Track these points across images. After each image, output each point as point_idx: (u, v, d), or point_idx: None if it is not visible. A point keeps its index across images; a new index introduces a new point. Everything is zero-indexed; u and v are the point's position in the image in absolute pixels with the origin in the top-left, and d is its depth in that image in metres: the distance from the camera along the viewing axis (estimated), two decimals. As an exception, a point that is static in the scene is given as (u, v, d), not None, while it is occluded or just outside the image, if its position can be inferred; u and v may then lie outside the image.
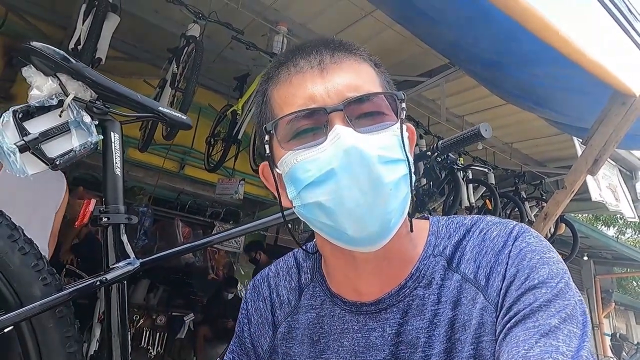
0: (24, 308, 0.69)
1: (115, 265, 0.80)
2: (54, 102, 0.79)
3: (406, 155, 0.58)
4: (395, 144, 0.57)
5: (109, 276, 0.78)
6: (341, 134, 0.54)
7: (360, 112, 0.57)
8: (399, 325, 0.62)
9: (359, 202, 0.54)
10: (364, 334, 0.63)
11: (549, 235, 4.84)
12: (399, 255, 0.63)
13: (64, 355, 0.74)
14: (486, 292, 0.58)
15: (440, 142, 1.06)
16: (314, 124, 0.57)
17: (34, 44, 0.77)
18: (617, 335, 5.76)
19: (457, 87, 4.17)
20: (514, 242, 0.60)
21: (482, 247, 0.61)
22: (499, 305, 0.57)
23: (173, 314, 5.33)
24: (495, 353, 0.55)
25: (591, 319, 8.66)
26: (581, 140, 3.09)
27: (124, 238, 0.83)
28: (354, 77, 0.59)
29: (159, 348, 5.02)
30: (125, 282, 0.82)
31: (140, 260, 0.83)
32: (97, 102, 0.83)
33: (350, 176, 0.54)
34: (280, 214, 0.80)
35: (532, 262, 0.57)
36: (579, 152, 4.48)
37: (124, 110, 0.89)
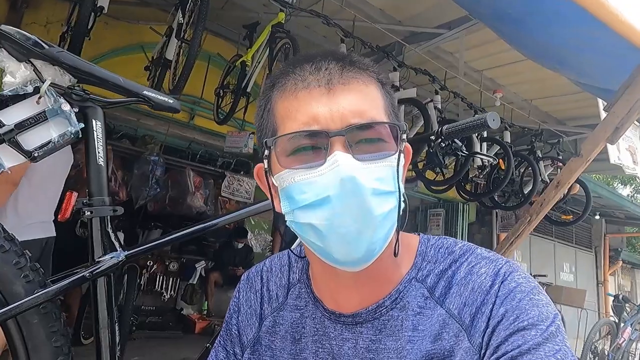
0: (9, 307, 0.69)
1: (101, 259, 0.80)
2: (29, 89, 0.74)
3: (398, 186, 0.59)
4: (390, 176, 0.58)
5: (95, 270, 0.78)
6: (340, 162, 0.55)
7: (361, 137, 0.58)
8: (370, 341, 0.63)
9: (350, 229, 0.56)
10: (338, 342, 0.65)
11: (563, 196, 4.76)
12: (379, 276, 0.63)
13: (50, 349, 0.75)
14: (469, 332, 0.58)
15: (445, 127, 1.00)
16: (314, 144, 0.58)
17: (3, 27, 0.71)
18: (620, 297, 5.86)
19: (477, 39, 3.94)
20: (502, 282, 0.59)
21: (468, 282, 0.61)
22: (483, 345, 0.56)
23: (185, 260, 5.52)
24: None
25: (597, 276, 8.77)
26: (605, 104, 2.94)
27: (110, 230, 0.81)
28: (360, 102, 0.59)
29: (172, 292, 5.26)
30: (112, 274, 0.81)
31: (126, 253, 0.82)
32: (76, 87, 0.78)
33: (344, 205, 0.55)
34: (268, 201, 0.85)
35: (521, 303, 0.56)
36: (602, 114, 4.30)
37: (107, 95, 0.84)
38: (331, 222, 0.56)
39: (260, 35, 3.64)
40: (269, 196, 0.64)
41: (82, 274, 0.77)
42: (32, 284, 0.74)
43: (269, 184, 0.62)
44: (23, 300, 0.71)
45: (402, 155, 0.60)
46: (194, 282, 5.42)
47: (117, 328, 0.80)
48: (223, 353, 0.75)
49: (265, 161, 0.61)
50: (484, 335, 0.56)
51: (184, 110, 4.87)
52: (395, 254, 0.62)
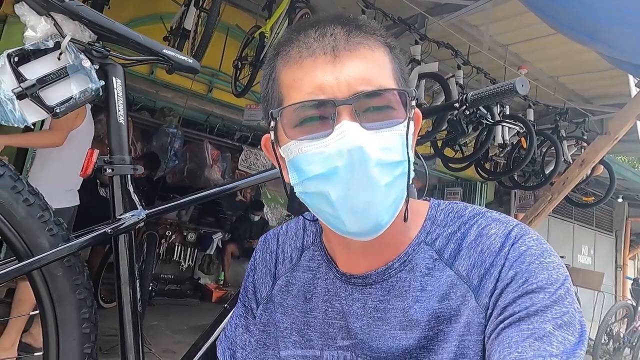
0: (34, 258, 0.71)
1: (122, 216, 0.81)
2: (50, 44, 0.74)
3: (407, 154, 0.58)
4: (398, 145, 0.57)
5: (116, 227, 0.79)
6: (347, 132, 0.54)
7: (369, 105, 0.57)
8: (379, 302, 0.64)
9: (358, 200, 0.56)
10: (348, 301, 0.66)
11: (585, 177, 4.65)
12: (389, 241, 0.63)
13: (74, 301, 0.78)
14: (477, 292, 0.58)
15: (470, 94, 0.96)
16: (320, 114, 0.57)
17: (22, -21, 0.70)
18: (639, 280, 5.79)
19: (504, 12, 3.79)
20: (512, 244, 0.58)
21: (477, 244, 0.61)
22: (489, 306, 0.57)
23: (203, 231, 5.62)
24: (486, 352, 0.56)
25: (616, 259, 8.63)
26: (637, 81, 2.82)
27: (130, 188, 0.82)
28: (366, 68, 0.57)
29: (190, 262, 5.39)
30: (133, 232, 0.82)
31: (146, 212, 0.83)
32: (96, 44, 0.78)
33: (351, 175, 0.55)
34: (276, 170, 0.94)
35: (531, 267, 0.56)
36: (633, 90, 4.13)
37: (126, 53, 0.84)
38: (340, 193, 0.55)
39: (279, 5, 3.57)
40: (277, 167, 0.64)
41: (103, 230, 0.78)
42: (56, 237, 0.75)
43: (276, 155, 0.62)
44: (47, 253, 0.72)
45: (411, 122, 0.59)
46: (211, 253, 5.54)
47: (138, 285, 0.82)
48: (242, 308, 0.79)
49: (272, 132, 0.60)
50: (491, 296, 0.57)
51: (202, 82, 4.86)
52: (405, 220, 0.62)
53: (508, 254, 0.58)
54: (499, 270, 0.57)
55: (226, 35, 4.50)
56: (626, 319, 5.95)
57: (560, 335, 0.51)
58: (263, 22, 3.82)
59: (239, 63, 4.06)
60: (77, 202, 2.73)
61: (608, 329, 5.65)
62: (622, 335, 5.82)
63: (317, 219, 0.73)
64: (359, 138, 0.54)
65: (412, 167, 0.59)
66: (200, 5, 3.12)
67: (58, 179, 2.51)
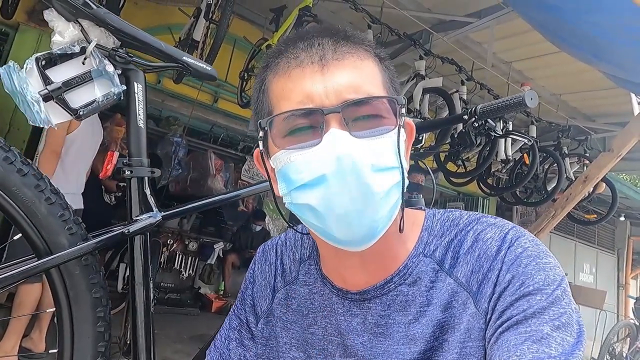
0: (54, 256, 0.73)
1: (138, 218, 0.82)
2: (76, 49, 0.76)
3: (400, 162, 0.57)
4: (390, 151, 0.56)
5: (132, 228, 0.80)
6: (336, 139, 0.53)
7: (358, 114, 0.56)
8: (379, 317, 0.63)
9: (348, 209, 0.54)
10: (347, 317, 0.65)
11: (587, 194, 4.66)
12: (385, 253, 0.63)
13: (90, 300, 0.79)
14: (476, 298, 0.58)
15: (480, 106, 0.99)
16: (310, 123, 0.56)
17: (53, -14, 0.73)
18: (642, 299, 5.77)
19: (507, 30, 3.85)
20: (508, 248, 0.59)
21: (474, 249, 0.61)
22: (488, 311, 0.57)
23: (204, 241, 5.62)
24: (487, 356, 0.56)
25: (618, 278, 8.58)
26: None
27: (147, 191, 0.83)
28: (355, 77, 0.57)
29: (191, 271, 5.37)
30: (148, 233, 0.84)
31: (162, 213, 0.85)
32: (120, 50, 0.81)
33: (341, 183, 0.53)
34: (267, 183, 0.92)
35: (527, 269, 0.56)
36: (636, 108, 4.15)
37: (147, 59, 0.86)
38: (328, 202, 0.54)
39: (287, 19, 3.63)
40: (268, 180, 0.64)
41: (120, 231, 0.80)
42: (75, 236, 0.77)
43: (266, 167, 0.61)
44: (67, 251, 0.74)
45: (402, 129, 0.58)
46: (212, 263, 5.53)
47: (151, 285, 0.83)
48: (237, 321, 0.77)
49: (261, 142, 0.60)
50: (489, 301, 0.57)
51: (208, 92, 4.90)
52: (401, 230, 0.61)
53: (505, 257, 0.58)
54: (497, 274, 0.57)
55: (233, 46, 4.56)
56: (629, 339, 5.90)
57: (559, 336, 0.51)
58: (270, 34, 3.88)
59: (245, 74, 4.12)
60: (81, 206, 2.75)
61: (610, 349, 5.59)
62: (624, 354, 5.77)
63: (307, 232, 0.72)
64: (348, 146, 0.53)
65: (405, 175, 0.58)
66: (209, 17, 3.18)
67: (57, 182, 2.53)
